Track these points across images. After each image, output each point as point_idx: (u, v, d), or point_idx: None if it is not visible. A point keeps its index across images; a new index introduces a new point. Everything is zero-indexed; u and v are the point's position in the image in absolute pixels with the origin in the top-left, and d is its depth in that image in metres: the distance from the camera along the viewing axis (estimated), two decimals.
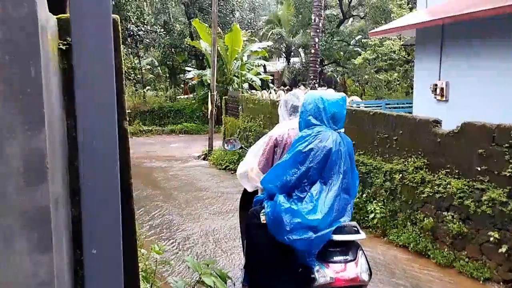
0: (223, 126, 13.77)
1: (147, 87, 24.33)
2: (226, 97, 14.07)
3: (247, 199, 3.80)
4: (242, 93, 13.16)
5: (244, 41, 18.05)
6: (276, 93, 11.28)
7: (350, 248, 2.77)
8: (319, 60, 16.32)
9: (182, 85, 24.55)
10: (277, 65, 32.18)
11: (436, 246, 5.08)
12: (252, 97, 11.65)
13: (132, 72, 20.31)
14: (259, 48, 19.12)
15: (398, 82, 17.12)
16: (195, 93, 20.22)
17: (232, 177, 9.30)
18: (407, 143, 5.58)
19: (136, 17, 18.74)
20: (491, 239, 4.41)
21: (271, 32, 26.65)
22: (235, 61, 17.97)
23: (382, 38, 15.06)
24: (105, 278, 1.51)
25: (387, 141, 5.92)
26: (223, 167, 10.60)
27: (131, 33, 18.59)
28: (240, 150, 4.44)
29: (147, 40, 20.31)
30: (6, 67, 1.25)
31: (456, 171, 4.91)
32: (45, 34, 1.38)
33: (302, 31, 25.09)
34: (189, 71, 20.05)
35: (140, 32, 19.03)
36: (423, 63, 9.77)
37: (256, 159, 3.34)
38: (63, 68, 1.61)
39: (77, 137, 1.47)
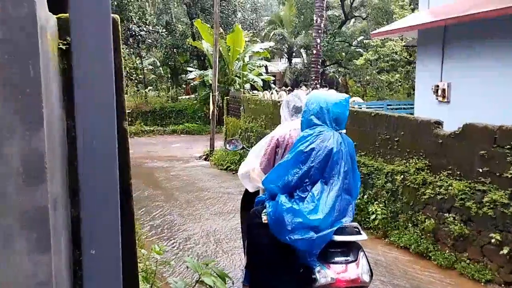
0: (224, 126, 13.78)
1: (149, 88, 24.37)
2: (228, 97, 14.07)
3: (249, 200, 3.80)
4: (244, 93, 13.16)
5: (246, 41, 18.07)
6: (277, 94, 11.27)
7: (351, 249, 2.77)
8: (321, 60, 16.34)
9: (183, 86, 24.58)
10: (279, 65, 32.20)
11: (438, 248, 5.07)
12: (253, 97, 11.65)
13: (134, 73, 20.34)
14: (261, 48, 19.14)
15: (399, 83, 17.11)
16: (196, 94, 20.26)
17: (233, 178, 9.30)
18: (409, 144, 5.57)
19: (138, 17, 18.77)
20: (493, 241, 4.40)
21: (273, 32, 26.68)
22: (237, 61, 17.98)
23: (384, 39, 15.07)
24: (104, 279, 1.50)
25: (388, 142, 5.91)
26: (225, 167, 10.60)
27: (133, 33, 18.63)
28: (242, 151, 4.44)
29: (149, 41, 20.35)
30: (5, 67, 1.25)
31: (458, 172, 4.90)
32: (45, 34, 1.37)
33: (304, 31, 25.12)
34: (191, 71, 20.09)
35: (142, 33, 19.07)
36: (424, 64, 9.76)
37: (257, 160, 3.34)
38: (63, 68, 1.61)
39: (76, 137, 1.47)
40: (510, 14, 6.80)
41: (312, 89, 13.23)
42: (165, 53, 22.88)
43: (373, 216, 5.84)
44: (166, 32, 21.64)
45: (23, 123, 1.28)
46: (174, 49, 22.41)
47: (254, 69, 19.21)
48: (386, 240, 5.65)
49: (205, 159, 12.25)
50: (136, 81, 21.37)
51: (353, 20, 26.85)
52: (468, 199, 4.71)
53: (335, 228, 2.66)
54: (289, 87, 20.36)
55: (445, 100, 8.81)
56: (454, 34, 8.64)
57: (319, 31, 14.40)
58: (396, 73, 16.53)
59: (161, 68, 26.20)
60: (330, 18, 24.69)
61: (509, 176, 4.29)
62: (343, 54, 23.61)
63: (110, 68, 1.47)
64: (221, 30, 17.37)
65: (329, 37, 22.67)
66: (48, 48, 1.42)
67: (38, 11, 1.28)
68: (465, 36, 8.35)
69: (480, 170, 4.62)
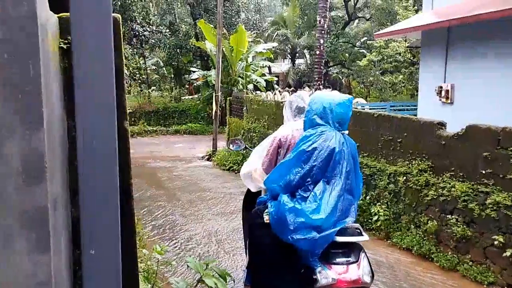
0: (227, 126, 13.78)
1: (152, 88, 24.41)
2: (231, 98, 14.08)
3: (250, 200, 3.79)
4: (247, 94, 13.16)
5: (249, 42, 18.08)
6: (280, 94, 11.27)
7: (352, 250, 2.77)
8: (324, 61, 16.32)
9: (187, 86, 24.60)
10: (282, 66, 32.18)
11: (440, 249, 5.05)
12: (256, 98, 11.65)
13: (138, 73, 20.35)
14: (264, 49, 19.14)
15: (403, 84, 17.07)
16: (199, 94, 20.28)
17: (235, 178, 9.29)
18: (412, 146, 5.55)
19: (141, 17, 18.79)
20: (496, 242, 4.38)
21: (276, 33, 26.68)
22: (240, 62, 17.99)
23: (388, 40, 15.03)
24: (103, 279, 1.50)
25: (391, 143, 5.89)
26: (227, 167, 10.60)
27: (137, 33, 18.65)
28: (244, 151, 4.44)
29: (153, 41, 20.38)
30: (5, 67, 1.25)
31: (461, 174, 4.88)
32: (45, 33, 1.37)
33: (307, 32, 25.09)
34: (194, 71, 20.12)
35: (146, 33, 19.09)
36: (428, 65, 9.73)
37: (260, 160, 3.34)
38: (64, 67, 1.61)
39: (76, 137, 1.47)
40: None
41: (315, 90, 13.21)
42: (169, 53, 22.89)
43: (375, 217, 5.82)
44: (169, 32, 21.66)
45: (23, 123, 1.28)
46: (178, 49, 22.43)
47: (257, 69, 19.22)
48: (389, 241, 5.63)
49: (208, 159, 12.25)
50: (139, 81, 21.38)
51: (356, 21, 26.83)
52: (471, 200, 4.69)
53: (337, 228, 2.65)
54: (292, 88, 20.32)
55: (449, 101, 8.78)
56: (457, 35, 8.61)
57: (323, 32, 14.38)
58: (400, 74, 16.49)
59: (164, 68, 26.23)
60: (334, 19, 24.66)
61: None
62: (347, 55, 23.59)
63: (111, 68, 1.47)
64: (225, 31, 17.38)
65: (332, 38, 22.65)
66: (49, 47, 1.42)
67: (39, 10, 1.28)
68: (469, 37, 8.32)
69: (483, 172, 4.60)
